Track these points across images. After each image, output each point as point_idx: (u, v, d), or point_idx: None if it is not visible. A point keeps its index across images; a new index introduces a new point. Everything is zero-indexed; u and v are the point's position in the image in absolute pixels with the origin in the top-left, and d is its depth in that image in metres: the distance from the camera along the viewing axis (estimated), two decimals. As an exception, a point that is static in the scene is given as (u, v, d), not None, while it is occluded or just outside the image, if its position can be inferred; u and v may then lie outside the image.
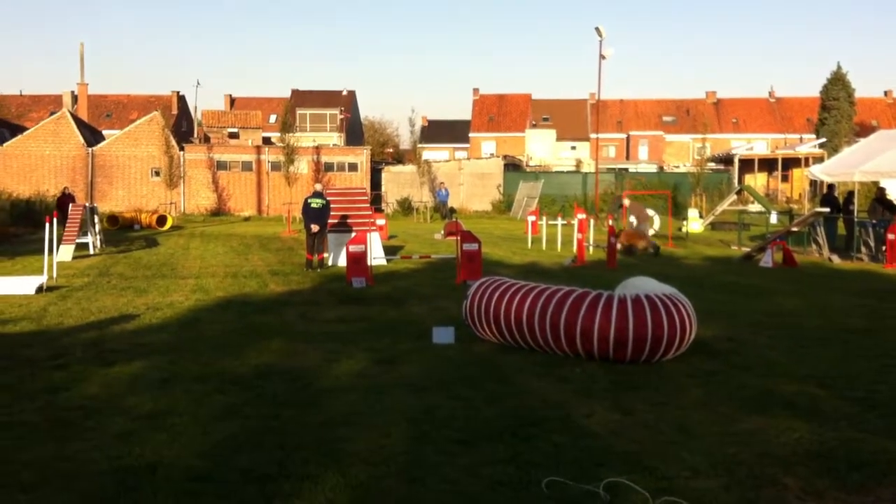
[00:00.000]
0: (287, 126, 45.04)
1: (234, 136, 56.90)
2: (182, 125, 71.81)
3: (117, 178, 45.04)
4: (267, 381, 7.59)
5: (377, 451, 5.62)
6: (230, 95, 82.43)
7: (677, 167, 58.58)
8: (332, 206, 18.05)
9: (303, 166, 44.81)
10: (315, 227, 17.28)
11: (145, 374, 7.90)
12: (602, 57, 38.36)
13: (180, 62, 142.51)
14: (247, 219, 43.05)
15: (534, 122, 79.63)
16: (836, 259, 19.65)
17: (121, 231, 31.22)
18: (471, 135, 79.74)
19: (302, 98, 79.21)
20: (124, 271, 17.30)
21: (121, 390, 7.33)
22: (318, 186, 18.83)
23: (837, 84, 59.74)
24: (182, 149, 46.07)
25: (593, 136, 66.04)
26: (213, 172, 45.67)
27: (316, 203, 17.50)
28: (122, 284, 15.02)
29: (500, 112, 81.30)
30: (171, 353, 8.87)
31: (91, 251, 21.62)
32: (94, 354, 8.79)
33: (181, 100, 75.86)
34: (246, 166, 46.17)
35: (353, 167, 46.51)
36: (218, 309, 12.12)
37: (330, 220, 17.99)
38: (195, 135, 62.36)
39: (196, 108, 69.77)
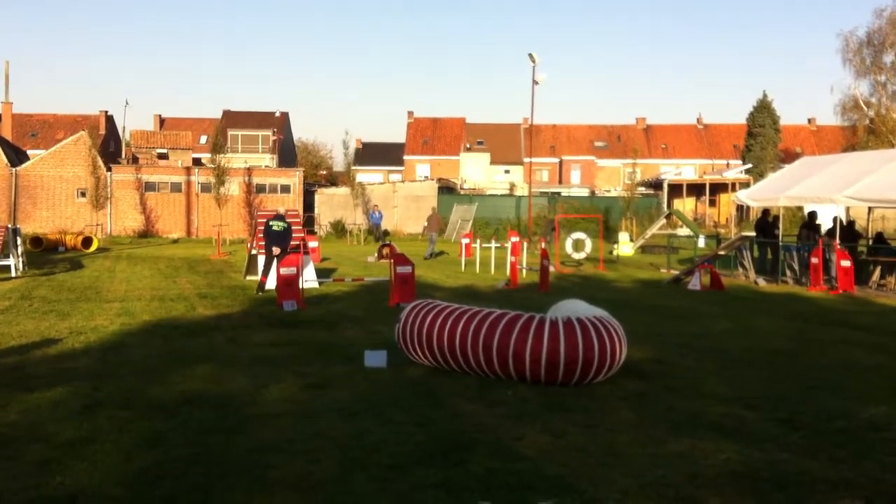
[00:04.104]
0: (218, 147, 44.52)
1: (163, 156, 56.04)
2: (110, 145, 70.48)
3: (42, 199, 43.94)
4: (193, 408, 7.41)
5: (306, 478, 5.52)
6: (160, 116, 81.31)
7: (608, 191, 59.51)
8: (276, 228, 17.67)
9: (234, 188, 44.31)
10: (276, 250, 17.03)
11: (67, 401, 7.64)
12: (535, 82, 38.85)
13: (109, 81, 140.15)
14: (175, 241, 42.31)
15: (468, 146, 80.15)
16: (761, 282, 20.11)
17: (45, 253, 30.38)
18: (405, 157, 79.93)
19: (234, 119, 78.44)
20: (47, 294, 16.81)
21: (41, 417, 7.07)
22: (281, 209, 18.59)
23: (763, 111, 61.60)
24: (109, 169, 45.19)
25: (527, 160, 66.72)
26: (142, 193, 44.87)
27: (278, 226, 17.25)
28: (45, 308, 14.57)
29: (435, 135, 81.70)
30: (94, 378, 8.60)
31: (13, 274, 20.96)
32: (14, 380, 8.47)
33: (109, 119, 74.43)
34: (175, 187, 45.46)
35: (285, 189, 46.15)
36: (144, 333, 11.83)
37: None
38: (123, 155, 61.22)
39: (125, 128, 68.67)
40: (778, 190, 21.63)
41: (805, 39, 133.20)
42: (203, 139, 75.03)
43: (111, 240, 40.99)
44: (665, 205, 49.31)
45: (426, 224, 27.79)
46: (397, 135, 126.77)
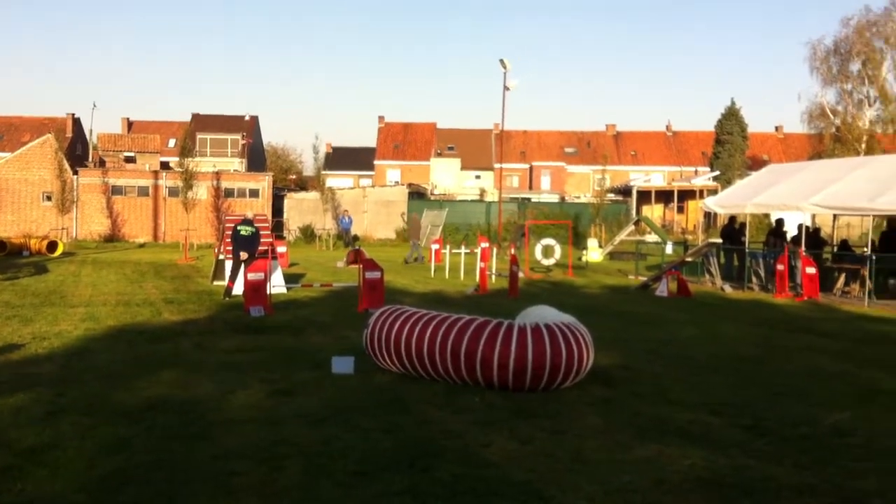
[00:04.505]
0: (186, 150, 44.07)
1: (130, 160, 55.47)
2: (77, 148, 69.74)
3: (6, 203, 43.31)
4: (158, 413, 7.33)
5: (270, 485, 5.47)
6: (128, 119, 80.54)
7: (578, 197, 59.82)
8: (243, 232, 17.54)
9: (202, 192, 43.94)
10: (244, 255, 16.89)
11: (29, 407, 7.53)
12: (506, 88, 39.04)
13: (76, 83, 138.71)
14: (142, 245, 41.92)
15: (439, 151, 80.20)
16: (728, 289, 20.29)
17: (8, 257, 29.93)
18: (376, 162, 79.81)
19: (203, 122, 77.86)
20: (10, 299, 16.55)
21: (2, 423, 6.96)
22: (249, 214, 18.42)
23: (731, 119, 62.20)
24: (76, 173, 44.63)
25: (497, 165, 66.86)
26: (108, 197, 44.38)
27: (246, 231, 17.11)
28: (8, 313, 14.34)
29: (406, 140, 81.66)
30: (57, 384, 8.48)
31: (-25, 278, 20.65)
32: (-27, 387, 8.33)
33: (76, 122, 73.65)
34: (142, 191, 45.02)
35: (254, 193, 45.86)
36: (108, 338, 11.69)
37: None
38: (90, 158, 60.56)
39: (92, 130, 67.76)
40: (745, 197, 21.84)
41: (773, 48, 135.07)
42: (171, 143, 74.46)
43: (77, 244, 40.50)
44: (634, 211, 49.63)
45: (409, 229, 28.06)
46: (368, 139, 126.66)
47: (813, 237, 20.92)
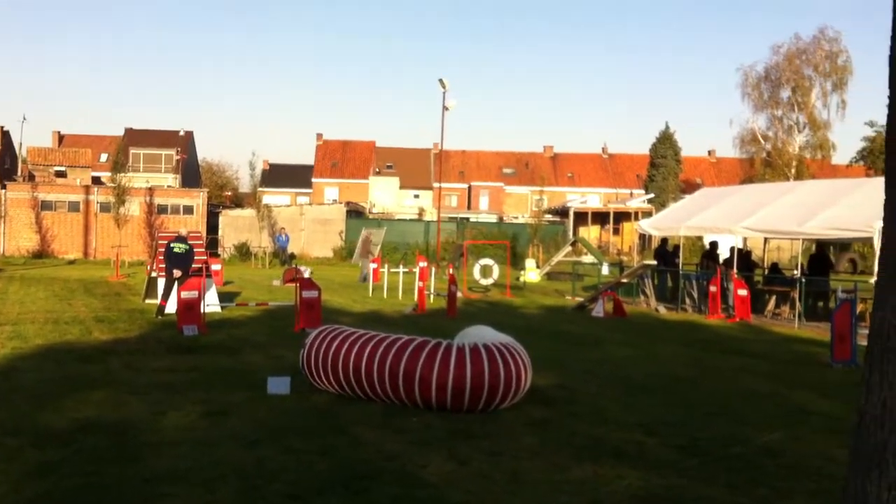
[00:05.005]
0: (119, 166, 43.25)
1: (61, 174, 54.25)
2: (5, 162, 67.81)
3: (-70, 217, 41.98)
4: (87, 435, 7.13)
5: (203, 509, 5.35)
6: (59, 132, 78.84)
7: (516, 218, 60.25)
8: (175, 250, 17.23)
9: (134, 208, 43.11)
10: (177, 273, 16.59)
11: (-52, 429, 7.26)
12: (445, 108, 39.23)
13: (5, 96, 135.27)
14: (72, 262, 40.92)
15: (377, 170, 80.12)
16: (662, 310, 20.60)
17: (-69, 272, 28.97)
18: (313, 180, 79.37)
19: (136, 137, 76.57)
20: (-69, 316, 16.01)
21: (-81, 447, 6.70)
22: (183, 230, 18.14)
23: (665, 143, 63.50)
24: (3, 187, 43.49)
25: (436, 185, 67.09)
26: (37, 213, 43.25)
27: (179, 248, 16.81)
28: (-72, 331, 13.87)
29: (344, 158, 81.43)
30: (-21, 405, 8.20)
31: None
32: None
33: (5, 135, 71.51)
34: (73, 207, 44.01)
35: (188, 210, 45.17)
36: (36, 358, 11.35)
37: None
38: (19, 172, 59.05)
39: (21, 144, 66.24)
40: (679, 219, 22.25)
41: (706, 73, 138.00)
42: (104, 157, 73.02)
43: (4, 260, 39.37)
44: (571, 232, 50.22)
45: (361, 248, 28.06)
46: (306, 157, 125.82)
47: (744, 260, 21.38)
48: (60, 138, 78.12)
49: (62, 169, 55.39)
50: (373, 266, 25.81)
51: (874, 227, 15.22)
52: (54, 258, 42.26)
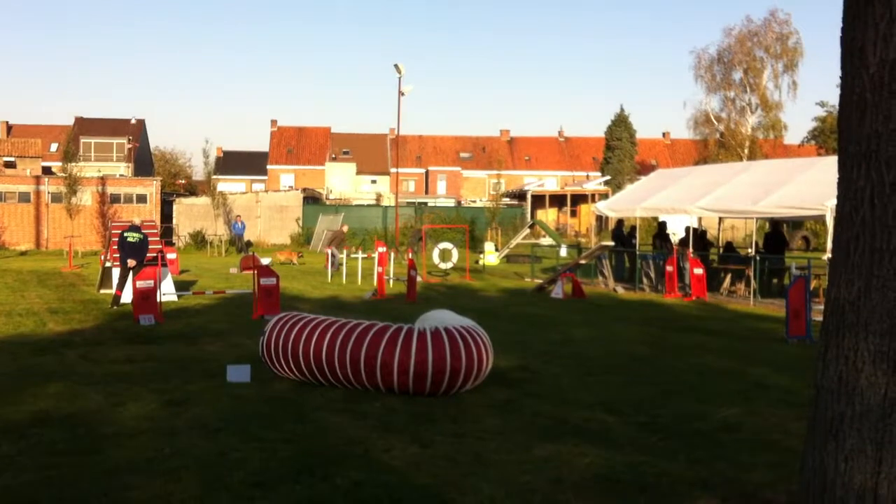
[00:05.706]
0: (70, 155, 42.50)
1: (10, 165, 53.16)
2: (-48, 152, 66.39)
3: None
4: (44, 428, 7.02)
5: (166, 499, 5.30)
6: (7, 122, 77.17)
7: (474, 202, 60.30)
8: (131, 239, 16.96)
9: (86, 198, 42.41)
10: (132, 262, 16.34)
11: None
12: (401, 93, 39.09)
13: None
14: (23, 253, 40.16)
15: (334, 156, 79.65)
16: (620, 290, 20.78)
17: None
18: (269, 167, 78.66)
19: (87, 126, 75.24)
20: None
21: None
22: (137, 220, 17.84)
23: (620, 125, 63.95)
24: (-49, 178, 42.55)
25: (393, 170, 66.82)
26: (-13, 204, 42.43)
27: (133, 237, 16.56)
28: None
29: (300, 145, 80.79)
30: (-70, 401, 8.03)
31: None
32: None
33: (-48, 126, 70.20)
34: (23, 197, 43.18)
35: (141, 199, 44.55)
36: (-12, 351, 11.15)
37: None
38: (-33, 163, 57.80)
39: (-32, 134, 64.76)
40: (635, 201, 22.42)
41: (660, 56, 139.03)
42: (54, 147, 71.59)
43: (-48, 252, 38.57)
44: (529, 215, 50.36)
45: (333, 238, 27.94)
46: (261, 144, 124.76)
47: (700, 239, 21.63)
48: (9, 128, 76.51)
49: (11, 159, 54.30)
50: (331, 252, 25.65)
51: (827, 206, 15.47)
52: (5, 249, 41.46)
